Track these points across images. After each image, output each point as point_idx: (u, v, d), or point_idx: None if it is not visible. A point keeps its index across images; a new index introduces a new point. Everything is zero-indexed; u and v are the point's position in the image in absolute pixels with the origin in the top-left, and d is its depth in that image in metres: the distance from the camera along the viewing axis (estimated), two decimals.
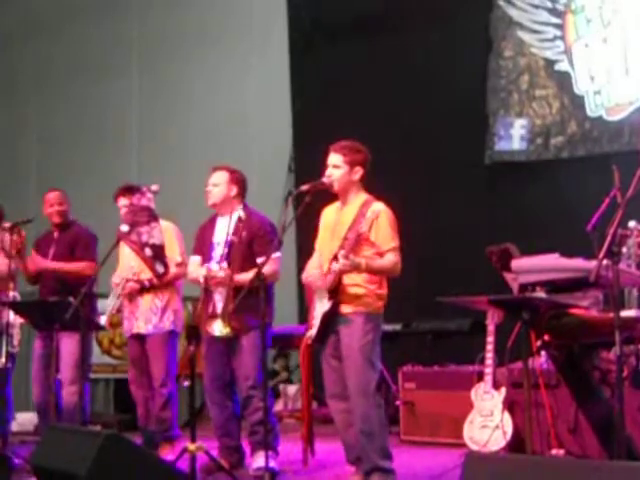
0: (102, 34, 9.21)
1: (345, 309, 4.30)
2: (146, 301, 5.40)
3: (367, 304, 4.32)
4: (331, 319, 4.30)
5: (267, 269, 4.62)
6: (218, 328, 4.51)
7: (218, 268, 4.81)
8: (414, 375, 6.13)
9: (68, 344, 5.43)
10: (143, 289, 5.38)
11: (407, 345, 6.71)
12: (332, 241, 4.40)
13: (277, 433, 4.97)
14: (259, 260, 4.73)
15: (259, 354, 4.71)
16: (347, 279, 4.28)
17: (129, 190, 5.47)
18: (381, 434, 4.28)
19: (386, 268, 4.30)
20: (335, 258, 4.24)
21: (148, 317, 5.38)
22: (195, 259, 5.08)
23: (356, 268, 4.21)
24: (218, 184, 5.01)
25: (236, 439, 5.00)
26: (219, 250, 4.95)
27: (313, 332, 4.35)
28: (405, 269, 4.43)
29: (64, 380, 5.46)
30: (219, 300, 4.81)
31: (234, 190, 5.02)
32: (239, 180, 5.06)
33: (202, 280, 4.81)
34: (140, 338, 5.43)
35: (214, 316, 4.63)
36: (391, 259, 4.30)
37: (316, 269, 4.40)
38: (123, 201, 5.47)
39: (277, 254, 4.86)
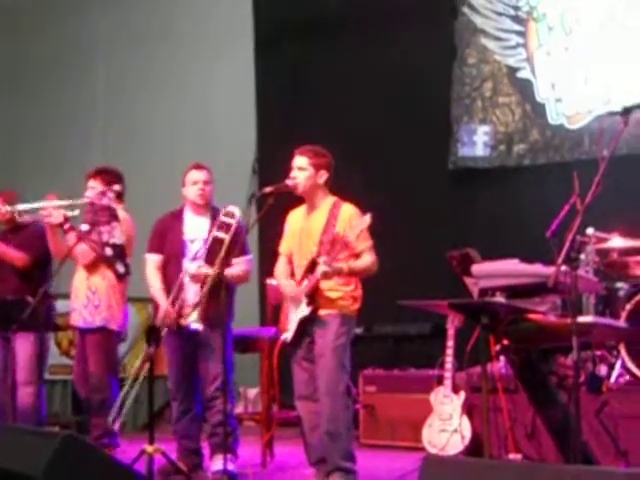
0: (69, 30, 9.12)
1: (321, 312, 4.33)
2: (80, 294, 5.28)
3: (343, 306, 4.36)
4: (308, 323, 4.32)
5: (241, 269, 4.72)
6: (194, 319, 4.49)
7: (197, 266, 4.77)
8: (374, 378, 6.15)
9: (23, 345, 5.34)
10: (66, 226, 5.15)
11: (368, 349, 6.72)
12: (305, 246, 4.42)
13: (237, 436, 4.94)
14: (236, 260, 4.75)
15: (223, 355, 4.70)
16: (324, 283, 4.30)
17: (102, 172, 5.36)
18: (347, 437, 4.31)
19: (366, 268, 4.35)
20: (314, 264, 4.25)
21: (80, 311, 5.27)
22: (153, 258, 5.01)
23: (338, 274, 4.24)
24: (209, 183, 4.99)
25: (196, 442, 4.96)
26: (194, 247, 4.90)
27: (289, 335, 4.36)
28: None
29: (19, 381, 5.36)
30: (192, 297, 4.78)
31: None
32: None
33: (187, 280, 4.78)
34: (81, 332, 5.31)
35: (186, 309, 4.62)
36: (369, 258, 4.34)
37: (287, 278, 4.42)
38: (91, 183, 5.34)
39: (250, 255, 4.91)
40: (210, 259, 4.76)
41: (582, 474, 2.58)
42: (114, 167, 5.48)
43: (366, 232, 4.35)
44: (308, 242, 4.40)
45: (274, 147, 7.71)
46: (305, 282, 4.30)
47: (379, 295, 6.54)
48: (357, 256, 4.33)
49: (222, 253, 4.66)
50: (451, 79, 7.39)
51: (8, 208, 5.37)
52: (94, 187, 5.31)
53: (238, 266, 4.82)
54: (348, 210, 4.39)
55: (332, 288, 4.32)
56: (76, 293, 5.32)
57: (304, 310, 4.30)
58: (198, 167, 5.01)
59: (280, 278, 4.50)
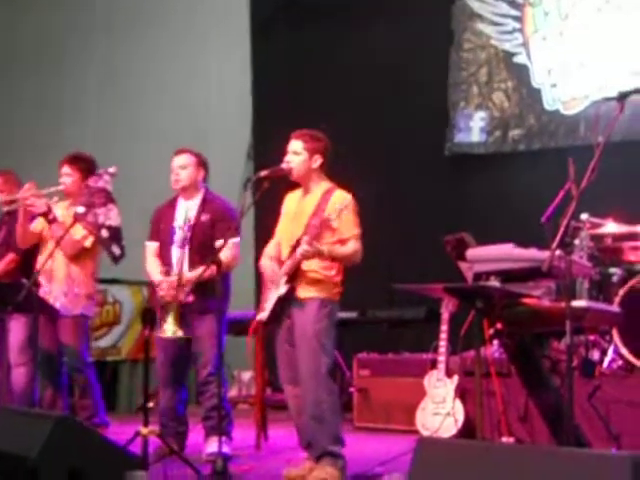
0: (64, 10, 9.08)
1: (301, 294, 4.30)
2: (59, 281, 5.22)
3: (323, 290, 4.33)
4: (285, 303, 4.31)
5: (225, 254, 4.64)
6: (170, 330, 4.48)
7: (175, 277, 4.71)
8: (369, 362, 6.18)
9: (15, 327, 5.35)
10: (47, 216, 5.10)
11: (363, 333, 6.75)
12: (293, 228, 4.40)
13: (231, 419, 4.97)
14: (217, 243, 4.72)
15: (217, 340, 4.72)
16: (305, 265, 4.29)
17: (74, 160, 5.31)
18: (333, 420, 4.29)
19: (348, 255, 4.32)
20: (298, 244, 4.26)
21: (57, 296, 5.20)
22: (150, 245, 5.01)
23: (318, 255, 4.23)
24: (186, 167, 4.96)
25: (183, 424, 5.00)
26: (180, 234, 4.90)
27: (264, 314, 4.35)
28: (362, 257, 4.45)
29: (12, 363, 5.39)
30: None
31: (202, 173, 5.00)
32: (205, 163, 5.05)
33: (161, 290, 4.72)
34: (52, 317, 5.17)
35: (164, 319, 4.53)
36: (353, 247, 4.31)
37: (270, 259, 4.42)
38: (66, 170, 5.30)
39: (236, 239, 4.86)
40: (193, 245, 4.80)
41: (574, 456, 2.60)
42: (88, 154, 5.45)
43: (355, 220, 4.34)
44: (297, 226, 4.38)
45: (269, 132, 7.69)
46: (287, 262, 4.31)
47: (374, 279, 6.58)
48: (343, 243, 4.33)
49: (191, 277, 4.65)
50: (448, 64, 7.38)
51: None
52: (69, 174, 5.28)
53: (225, 252, 4.79)
54: (340, 197, 4.37)
55: (313, 269, 4.29)
56: (51, 276, 5.22)
57: (282, 288, 4.28)
58: (178, 152, 5.01)
59: (264, 258, 4.50)
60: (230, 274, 4.95)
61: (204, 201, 4.94)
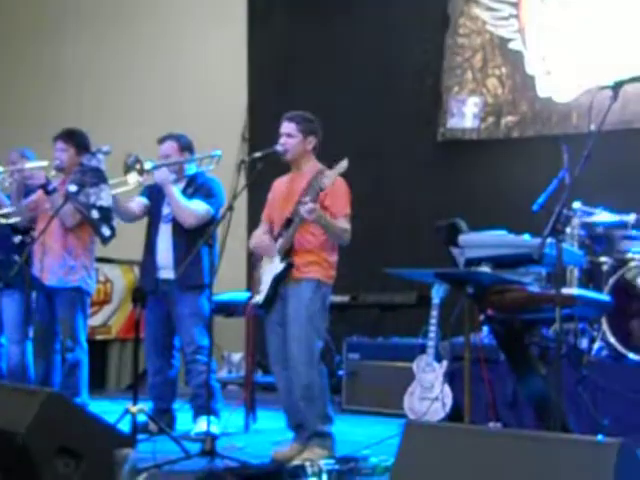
0: None
1: (296, 274, 4.30)
2: (54, 253, 5.13)
3: (317, 271, 4.32)
4: (281, 282, 4.30)
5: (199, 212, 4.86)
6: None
7: None
8: (358, 346, 6.20)
9: (9, 304, 5.33)
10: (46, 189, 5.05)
11: (354, 317, 6.77)
12: (285, 209, 4.40)
13: (219, 398, 5.00)
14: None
15: (201, 318, 4.75)
16: (299, 245, 4.28)
17: (69, 135, 5.27)
18: (321, 399, 4.31)
19: (340, 230, 4.29)
20: (289, 222, 4.26)
21: (54, 270, 5.11)
22: (139, 199, 5.11)
23: (319, 218, 4.17)
24: (169, 155, 5.00)
25: (168, 402, 5.05)
26: (167, 210, 5.00)
27: (260, 298, 4.35)
28: (354, 241, 4.45)
29: (8, 340, 5.38)
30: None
31: (187, 157, 5.02)
32: (188, 145, 5.06)
33: None
34: (48, 293, 5.14)
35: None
36: (343, 224, 4.32)
37: (265, 235, 4.42)
38: (61, 145, 5.24)
39: (207, 207, 4.92)
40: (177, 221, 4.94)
41: (561, 442, 2.62)
42: (82, 130, 5.41)
43: (346, 200, 4.35)
44: (289, 206, 4.38)
45: (264, 113, 7.69)
46: (280, 240, 4.30)
47: (366, 264, 6.59)
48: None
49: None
50: (443, 49, 7.36)
51: None
52: (64, 149, 5.23)
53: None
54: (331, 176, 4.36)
55: (308, 250, 4.28)
56: (46, 249, 5.12)
57: (278, 267, 4.28)
58: (160, 140, 5.07)
59: (253, 236, 4.51)
60: (211, 252, 4.92)
61: (189, 180, 5.04)
